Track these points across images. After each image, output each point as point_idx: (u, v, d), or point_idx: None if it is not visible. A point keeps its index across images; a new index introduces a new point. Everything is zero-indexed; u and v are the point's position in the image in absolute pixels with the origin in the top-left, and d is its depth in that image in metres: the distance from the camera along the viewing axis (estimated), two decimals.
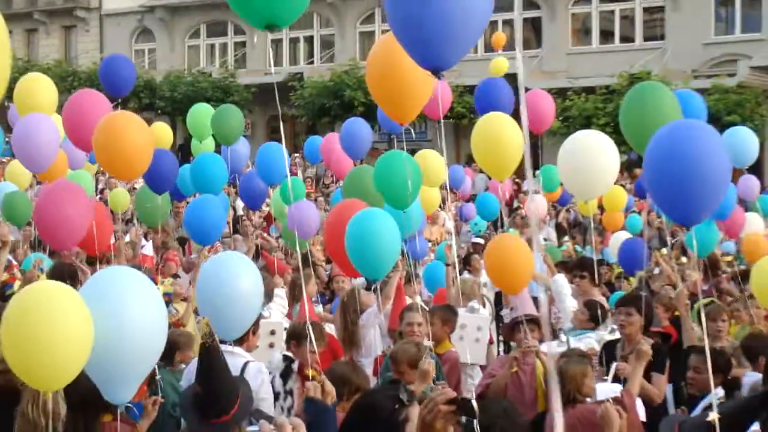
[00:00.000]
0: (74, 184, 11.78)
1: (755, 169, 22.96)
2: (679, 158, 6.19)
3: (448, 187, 16.54)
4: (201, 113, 16.19)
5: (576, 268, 13.16)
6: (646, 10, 40.00)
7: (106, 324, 5.15)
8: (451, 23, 5.98)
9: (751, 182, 17.04)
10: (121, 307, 5.20)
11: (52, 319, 5.14)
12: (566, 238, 20.97)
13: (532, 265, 10.44)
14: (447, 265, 12.81)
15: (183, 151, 38.95)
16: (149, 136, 10.14)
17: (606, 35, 40.99)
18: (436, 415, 3.57)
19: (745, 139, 13.75)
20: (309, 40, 47.94)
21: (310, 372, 7.81)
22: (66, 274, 10.92)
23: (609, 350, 9.52)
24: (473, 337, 10.68)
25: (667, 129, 6.77)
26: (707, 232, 13.18)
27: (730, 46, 37.73)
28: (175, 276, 14.12)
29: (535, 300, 11.37)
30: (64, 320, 5.16)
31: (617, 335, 9.90)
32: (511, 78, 13.10)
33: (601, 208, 19.93)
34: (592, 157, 9.54)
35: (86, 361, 5.25)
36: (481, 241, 18.90)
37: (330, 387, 5.41)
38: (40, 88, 12.66)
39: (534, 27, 42.18)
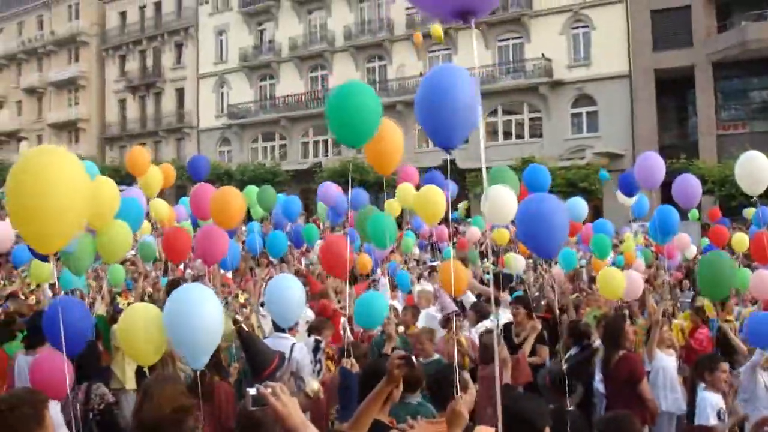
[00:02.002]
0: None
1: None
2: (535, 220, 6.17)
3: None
4: (251, 191, 15.70)
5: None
6: (531, 119, 41.43)
7: (188, 315, 4.96)
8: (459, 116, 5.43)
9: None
10: (196, 308, 4.93)
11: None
12: (485, 260, 18.97)
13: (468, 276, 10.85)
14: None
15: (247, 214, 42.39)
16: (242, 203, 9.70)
17: (506, 134, 42.33)
18: (393, 365, 3.83)
19: (578, 204, 14.26)
20: (325, 141, 49.75)
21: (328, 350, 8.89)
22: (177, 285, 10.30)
23: (507, 328, 9.66)
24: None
25: (526, 200, 6.95)
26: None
27: (581, 140, 39.05)
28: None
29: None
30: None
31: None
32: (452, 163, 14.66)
33: None
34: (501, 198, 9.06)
35: None
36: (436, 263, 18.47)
37: (355, 364, 5.64)
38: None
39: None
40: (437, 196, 10.14)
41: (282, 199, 16.25)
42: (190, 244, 10.51)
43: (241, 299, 11.87)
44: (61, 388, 5.32)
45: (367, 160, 7.56)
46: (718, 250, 10.06)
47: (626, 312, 11.06)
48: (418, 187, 11.61)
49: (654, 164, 10.97)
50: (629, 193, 13.42)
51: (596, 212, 39.21)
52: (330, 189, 15.46)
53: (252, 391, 2.95)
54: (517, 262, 16.06)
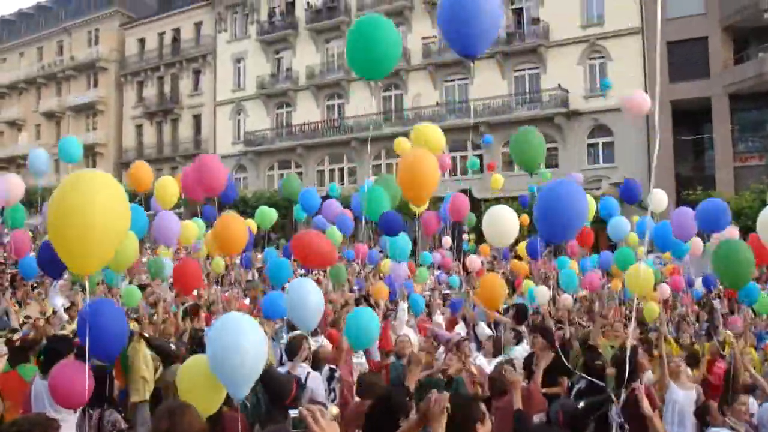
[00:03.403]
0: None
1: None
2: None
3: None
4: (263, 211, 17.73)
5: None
6: (547, 149, 43.04)
7: (230, 346, 4.77)
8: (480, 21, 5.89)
9: None
10: (239, 337, 4.77)
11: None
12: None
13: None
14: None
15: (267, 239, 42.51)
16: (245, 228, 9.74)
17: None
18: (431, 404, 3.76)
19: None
20: (341, 170, 49.92)
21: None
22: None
23: (529, 359, 9.48)
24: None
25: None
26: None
27: (596, 171, 38.96)
28: None
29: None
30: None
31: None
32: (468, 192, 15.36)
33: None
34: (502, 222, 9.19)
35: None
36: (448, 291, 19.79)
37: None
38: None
39: (480, 158, 44.75)
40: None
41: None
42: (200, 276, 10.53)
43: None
44: (80, 395, 5.35)
45: (402, 189, 7.72)
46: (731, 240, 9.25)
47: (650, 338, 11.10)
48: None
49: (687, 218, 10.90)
50: (631, 200, 13.88)
51: (609, 244, 39.21)
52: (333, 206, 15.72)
53: (293, 413, 2.90)
54: (541, 294, 16.03)
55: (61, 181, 5.20)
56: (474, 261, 19.31)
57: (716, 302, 18.20)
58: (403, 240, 11.67)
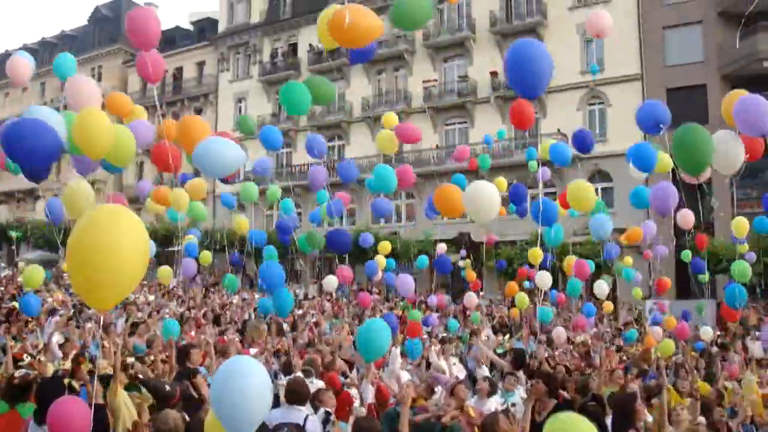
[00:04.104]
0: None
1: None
2: None
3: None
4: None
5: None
6: (546, 194, 42.61)
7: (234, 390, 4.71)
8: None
9: None
10: (244, 380, 4.69)
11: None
12: (499, 335, 20.07)
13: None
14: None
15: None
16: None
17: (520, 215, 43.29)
18: None
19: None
20: (351, 211, 51.45)
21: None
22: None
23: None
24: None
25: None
26: None
27: None
28: None
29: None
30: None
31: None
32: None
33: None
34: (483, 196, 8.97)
35: None
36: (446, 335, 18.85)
37: None
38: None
39: None
40: None
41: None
42: None
43: None
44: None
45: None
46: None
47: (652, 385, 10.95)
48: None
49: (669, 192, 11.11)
50: (584, 150, 13.89)
51: (611, 288, 39.17)
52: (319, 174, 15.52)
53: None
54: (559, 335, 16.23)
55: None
56: (471, 299, 19.75)
57: (714, 350, 18.21)
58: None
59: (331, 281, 18.12)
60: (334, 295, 31.44)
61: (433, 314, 21.87)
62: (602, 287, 19.13)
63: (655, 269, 25.32)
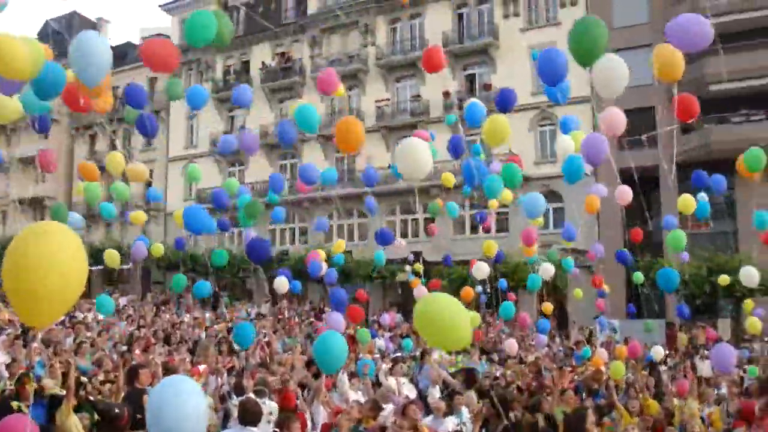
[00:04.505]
0: None
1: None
2: None
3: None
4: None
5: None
6: (498, 213, 42.16)
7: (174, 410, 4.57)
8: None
9: None
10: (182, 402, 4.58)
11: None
12: (453, 354, 18.74)
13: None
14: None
15: (215, 298, 41.99)
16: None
17: (474, 228, 42.29)
18: None
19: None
20: (292, 229, 50.36)
21: None
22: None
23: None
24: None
25: None
26: None
27: (547, 236, 37.03)
28: None
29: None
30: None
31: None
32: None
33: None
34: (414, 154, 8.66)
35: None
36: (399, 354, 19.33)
37: None
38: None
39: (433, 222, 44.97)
40: None
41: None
42: None
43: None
44: None
45: None
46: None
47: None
48: None
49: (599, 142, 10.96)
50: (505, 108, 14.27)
51: (561, 308, 39.36)
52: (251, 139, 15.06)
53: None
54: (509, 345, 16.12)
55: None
56: None
57: (662, 368, 18.37)
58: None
59: (281, 282, 18.28)
60: (286, 313, 31.33)
61: (386, 333, 21.84)
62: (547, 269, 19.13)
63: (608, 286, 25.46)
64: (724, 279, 22.64)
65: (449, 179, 19.98)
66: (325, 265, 18.30)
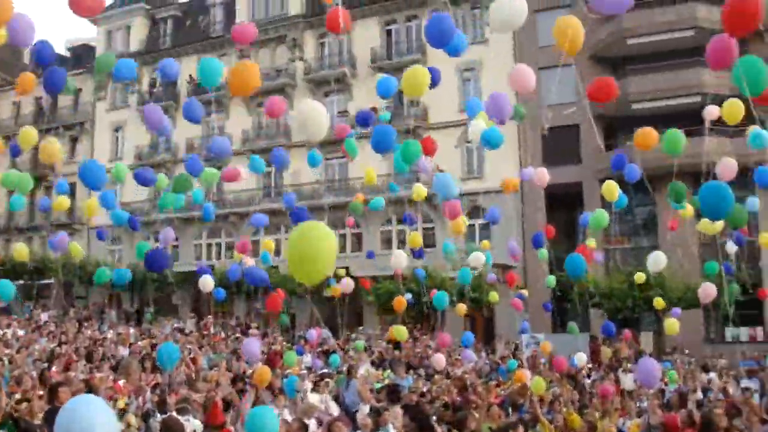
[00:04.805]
0: None
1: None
2: None
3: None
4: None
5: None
6: (425, 229, 41.44)
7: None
8: None
9: None
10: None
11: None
12: (379, 370, 19.91)
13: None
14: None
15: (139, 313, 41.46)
16: None
17: (401, 243, 40.74)
18: None
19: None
20: (218, 245, 49.70)
21: None
22: None
23: None
24: None
25: None
26: None
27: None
28: None
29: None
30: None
31: None
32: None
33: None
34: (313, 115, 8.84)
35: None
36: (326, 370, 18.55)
37: None
38: None
39: (358, 239, 44.49)
40: None
41: None
42: None
43: (121, 404, 11.54)
44: None
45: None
46: None
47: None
48: None
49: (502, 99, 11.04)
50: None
51: (488, 323, 39.69)
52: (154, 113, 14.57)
53: None
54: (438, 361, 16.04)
55: None
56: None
57: (587, 381, 18.58)
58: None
59: (205, 282, 17.79)
60: (211, 329, 30.99)
61: (313, 349, 21.71)
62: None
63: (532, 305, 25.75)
64: (639, 276, 23.04)
65: (371, 174, 20.01)
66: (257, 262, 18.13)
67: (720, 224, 14.28)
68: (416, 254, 19.90)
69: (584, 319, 36.81)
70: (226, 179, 14.60)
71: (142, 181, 15.40)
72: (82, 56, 60.97)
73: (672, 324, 17.45)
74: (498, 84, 39.76)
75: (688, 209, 16.10)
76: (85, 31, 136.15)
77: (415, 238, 18.46)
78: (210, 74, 11.05)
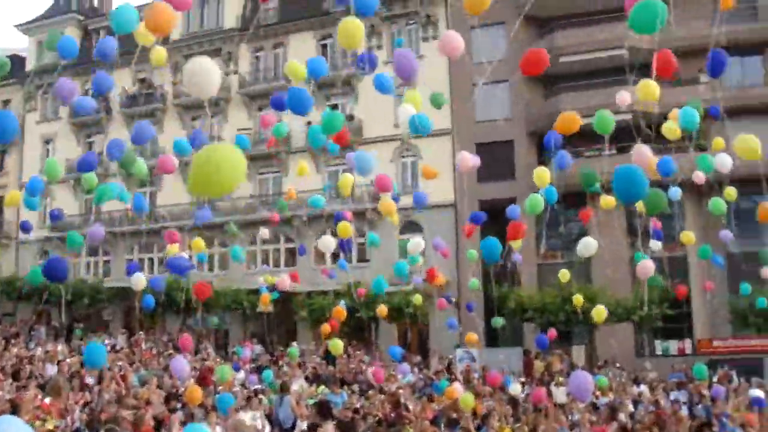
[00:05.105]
0: None
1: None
2: None
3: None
4: None
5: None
6: (359, 243, 40.73)
7: None
8: None
9: None
10: None
11: None
12: (313, 386, 20.02)
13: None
14: None
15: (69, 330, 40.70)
16: None
17: (335, 257, 43.14)
18: None
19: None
20: (151, 260, 48.55)
21: None
22: None
23: None
24: None
25: None
26: None
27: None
28: None
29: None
30: None
31: None
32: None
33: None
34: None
35: None
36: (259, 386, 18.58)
37: None
38: None
39: (291, 253, 44.15)
40: None
41: None
42: None
43: (50, 425, 11.31)
44: None
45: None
46: None
47: None
48: None
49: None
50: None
51: (421, 337, 39.78)
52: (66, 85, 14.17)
53: None
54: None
55: None
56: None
57: (522, 396, 18.67)
58: None
59: (138, 279, 17.69)
60: (143, 345, 30.55)
61: (247, 365, 21.55)
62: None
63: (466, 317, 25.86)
64: (578, 299, 23.29)
65: (304, 169, 19.93)
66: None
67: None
68: (341, 244, 19.68)
69: (517, 333, 37.14)
70: (161, 170, 14.33)
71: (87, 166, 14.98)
72: (12, 66, 59.71)
73: (599, 311, 17.79)
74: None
75: (608, 200, 16.26)
76: (15, 41, 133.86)
77: (346, 181, 18.23)
78: (124, 22, 11.05)
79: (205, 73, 8.25)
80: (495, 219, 39.80)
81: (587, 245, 16.52)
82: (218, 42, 49.79)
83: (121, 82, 51.65)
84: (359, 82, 44.52)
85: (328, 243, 18.66)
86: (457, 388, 15.24)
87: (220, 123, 48.94)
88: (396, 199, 16.91)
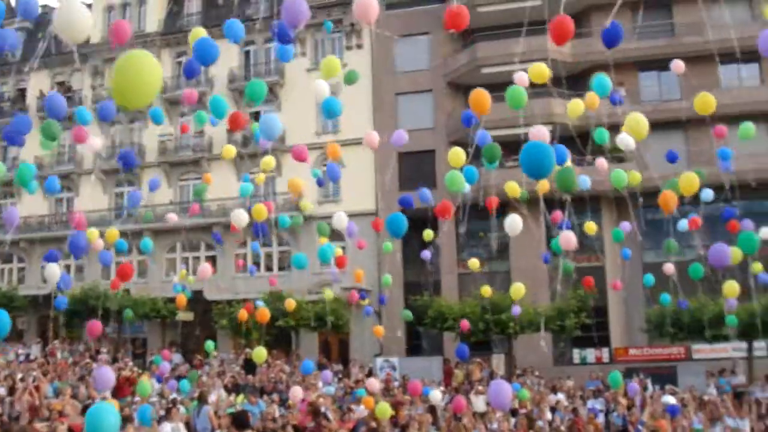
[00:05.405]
0: None
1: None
2: None
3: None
4: None
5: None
6: (280, 252, 41.95)
7: None
8: None
9: None
10: None
11: None
12: (232, 395, 19.71)
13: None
14: None
15: None
16: None
17: (256, 266, 39.76)
18: None
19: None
20: (68, 266, 48.74)
21: None
22: None
23: None
24: None
25: None
26: None
27: (328, 275, 40.74)
28: None
29: None
30: None
31: None
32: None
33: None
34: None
35: None
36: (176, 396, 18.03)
37: None
38: None
39: (213, 261, 44.36)
40: None
41: None
42: None
43: None
44: None
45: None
46: None
47: None
48: None
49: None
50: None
51: (343, 346, 39.72)
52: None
53: None
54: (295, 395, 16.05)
55: None
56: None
57: (442, 405, 18.75)
58: None
59: (52, 269, 16.77)
60: (59, 355, 29.93)
61: (165, 375, 21.27)
62: None
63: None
64: (509, 316, 23.48)
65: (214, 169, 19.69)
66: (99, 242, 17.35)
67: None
68: (255, 228, 19.39)
69: (437, 342, 37.37)
70: (75, 140, 13.80)
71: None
72: None
73: (517, 288, 18.10)
74: (355, 107, 40.07)
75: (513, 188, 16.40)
76: None
77: (268, 163, 18.10)
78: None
79: (74, 15, 7.94)
80: (416, 229, 40.07)
81: (513, 225, 16.62)
82: (139, 46, 49.03)
83: (39, 84, 50.74)
84: (281, 89, 44.39)
85: (241, 217, 18.11)
86: (374, 385, 15.23)
87: (140, 129, 48.24)
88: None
